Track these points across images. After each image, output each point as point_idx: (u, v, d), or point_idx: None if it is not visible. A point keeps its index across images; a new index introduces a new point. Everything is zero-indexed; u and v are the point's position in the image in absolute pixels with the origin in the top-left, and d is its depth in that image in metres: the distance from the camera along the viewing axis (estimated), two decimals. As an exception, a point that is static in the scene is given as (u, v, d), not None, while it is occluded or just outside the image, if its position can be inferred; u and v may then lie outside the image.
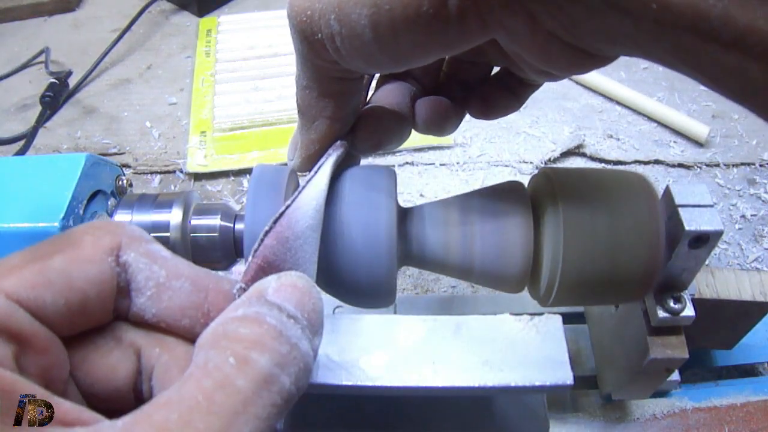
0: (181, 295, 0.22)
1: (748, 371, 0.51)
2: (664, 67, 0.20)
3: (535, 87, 0.33)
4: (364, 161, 0.36)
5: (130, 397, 0.22)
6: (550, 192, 0.31)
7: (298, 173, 0.32)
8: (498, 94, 0.33)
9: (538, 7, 0.21)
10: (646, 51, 0.20)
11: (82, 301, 0.20)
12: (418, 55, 0.24)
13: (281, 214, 0.26)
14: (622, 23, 0.19)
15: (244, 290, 0.24)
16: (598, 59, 0.23)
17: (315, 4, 0.23)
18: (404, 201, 0.60)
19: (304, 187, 0.28)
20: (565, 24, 0.21)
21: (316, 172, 0.28)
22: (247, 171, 0.63)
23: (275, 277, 0.23)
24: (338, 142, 0.30)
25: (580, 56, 0.23)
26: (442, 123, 0.33)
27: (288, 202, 0.27)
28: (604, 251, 0.30)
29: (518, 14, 0.21)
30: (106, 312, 0.22)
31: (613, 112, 0.69)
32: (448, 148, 0.65)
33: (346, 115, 0.30)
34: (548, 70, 0.26)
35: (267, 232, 0.26)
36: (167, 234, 0.33)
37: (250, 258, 0.26)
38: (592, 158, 0.64)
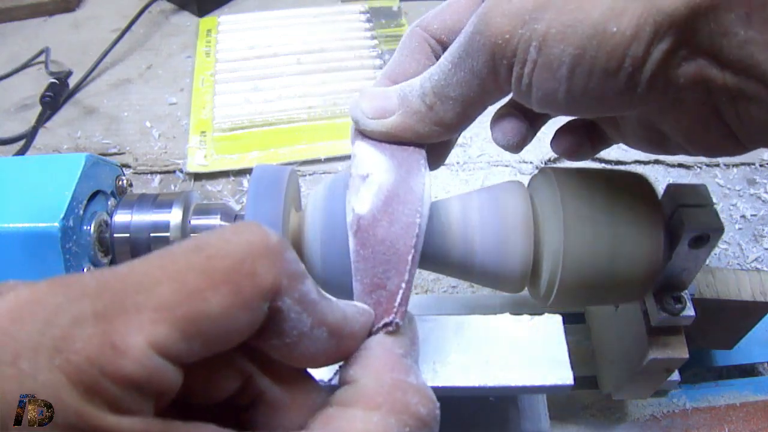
0: (317, 342, 0.21)
1: (748, 371, 0.51)
2: None
3: (610, 145, 0.35)
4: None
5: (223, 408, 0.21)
6: (550, 192, 0.31)
7: (360, 139, 0.30)
8: (582, 140, 0.35)
9: (721, 88, 0.22)
10: None
11: (222, 343, 0.18)
12: (596, 107, 0.25)
13: (417, 238, 0.25)
14: None
15: (398, 328, 0.24)
16: (742, 148, 0.25)
17: (517, 29, 0.24)
18: (404, 201, 0.60)
19: (422, 208, 0.26)
20: (738, 108, 0.23)
21: (420, 187, 0.27)
22: (247, 171, 0.63)
23: (407, 322, 0.24)
24: (424, 151, 0.29)
25: (729, 141, 0.25)
26: (521, 145, 0.33)
27: (418, 219, 0.26)
28: (605, 251, 0.30)
29: (697, 91, 0.23)
30: (235, 346, 0.19)
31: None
32: (448, 148, 0.65)
33: (458, 132, 0.30)
34: (688, 145, 0.27)
35: (412, 260, 0.25)
36: (167, 234, 0.33)
37: (402, 288, 0.25)
38: (593, 158, 0.64)
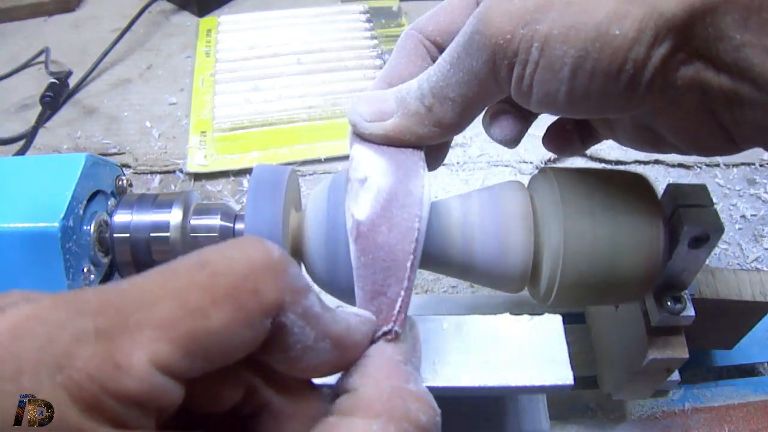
0: (321, 354, 0.21)
1: (748, 371, 0.51)
2: None
3: (599, 141, 0.35)
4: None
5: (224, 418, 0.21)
6: (550, 192, 0.31)
7: (358, 142, 0.30)
8: (572, 137, 0.35)
9: (717, 90, 0.23)
10: None
11: (225, 359, 0.18)
12: (596, 108, 0.25)
13: (417, 243, 0.25)
14: None
15: (397, 336, 0.24)
16: (737, 148, 0.26)
17: (519, 29, 0.24)
18: (404, 201, 0.60)
19: (421, 212, 0.26)
20: (734, 110, 0.23)
21: (420, 190, 0.27)
22: (247, 171, 0.63)
23: (408, 329, 0.24)
24: (423, 153, 0.29)
25: (724, 141, 0.25)
26: (517, 140, 0.33)
27: (416, 224, 0.26)
28: (605, 251, 0.30)
29: (694, 93, 0.23)
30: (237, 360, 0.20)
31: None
32: (448, 148, 0.65)
33: (456, 133, 0.30)
34: (683, 145, 0.27)
35: (411, 266, 0.25)
36: (167, 234, 0.33)
37: (401, 296, 0.24)
38: (592, 158, 0.64)
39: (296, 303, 0.19)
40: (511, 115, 0.31)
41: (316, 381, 0.23)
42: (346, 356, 0.22)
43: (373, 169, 0.27)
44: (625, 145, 0.32)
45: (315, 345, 0.20)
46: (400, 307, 0.24)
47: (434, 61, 0.28)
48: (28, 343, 0.15)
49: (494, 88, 0.26)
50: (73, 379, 0.15)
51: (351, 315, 0.23)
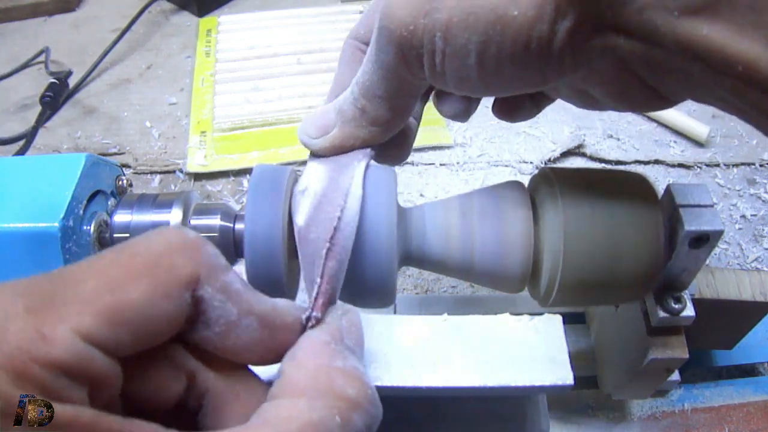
0: (248, 332, 0.22)
1: (748, 371, 0.51)
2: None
3: (553, 100, 0.35)
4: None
5: (172, 410, 0.22)
6: (550, 192, 0.31)
7: (310, 159, 0.32)
8: (522, 100, 0.34)
9: (631, 55, 0.22)
10: (711, 98, 0.22)
11: (151, 334, 0.20)
12: (512, 87, 0.25)
13: (335, 231, 0.26)
14: (704, 76, 0.21)
15: (318, 321, 0.24)
16: (669, 102, 0.25)
17: (419, 19, 0.24)
18: (404, 201, 0.60)
19: (346, 201, 0.27)
20: (652, 70, 0.23)
21: (348, 181, 0.28)
22: (247, 171, 0.63)
23: (341, 313, 0.25)
24: (368, 150, 0.30)
25: (654, 98, 0.25)
26: (467, 114, 0.33)
27: (337, 213, 0.27)
28: (605, 251, 0.30)
29: (610, 60, 0.23)
30: (167, 338, 0.21)
31: (612, 112, 0.69)
32: (448, 148, 0.65)
33: (398, 127, 0.30)
34: (617, 106, 0.27)
35: (328, 253, 0.26)
36: (167, 234, 0.33)
37: (317, 283, 0.26)
38: (592, 158, 0.64)
39: (214, 277, 0.21)
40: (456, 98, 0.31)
41: (260, 373, 0.24)
42: (277, 337, 0.23)
43: (313, 177, 0.29)
44: (571, 104, 0.32)
45: (239, 321, 0.21)
46: (317, 293, 0.26)
47: None
48: None
49: (412, 78, 0.26)
50: (3, 352, 0.16)
51: (281, 300, 0.24)
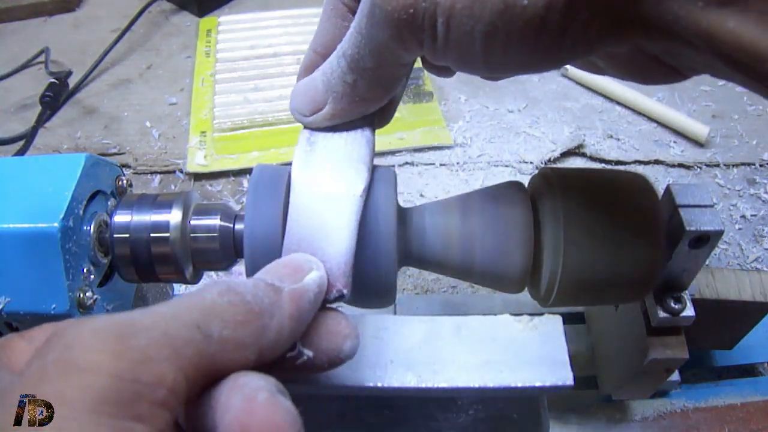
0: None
1: (748, 371, 0.51)
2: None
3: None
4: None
5: None
6: (550, 192, 0.31)
7: (307, 130, 0.32)
8: None
9: (643, 40, 0.21)
10: (734, 81, 0.21)
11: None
12: (518, 70, 0.24)
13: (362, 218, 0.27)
14: (728, 70, 0.20)
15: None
16: (687, 77, 0.24)
17: (420, 2, 0.22)
18: (404, 201, 0.60)
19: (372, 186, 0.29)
20: (673, 58, 0.22)
21: (369, 165, 0.29)
22: (247, 171, 0.63)
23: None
24: (369, 125, 0.30)
25: (672, 74, 0.24)
26: (449, 72, 0.32)
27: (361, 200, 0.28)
28: (605, 252, 0.30)
29: (624, 44, 0.22)
30: None
31: (613, 112, 0.69)
32: (448, 148, 0.65)
33: (388, 98, 0.29)
34: (630, 80, 0.26)
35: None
36: (167, 234, 0.33)
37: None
38: (592, 158, 0.64)
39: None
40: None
41: None
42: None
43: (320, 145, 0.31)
44: (581, 69, 0.31)
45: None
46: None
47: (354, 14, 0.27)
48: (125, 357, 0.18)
49: (407, 55, 0.25)
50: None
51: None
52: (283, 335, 0.22)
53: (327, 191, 0.28)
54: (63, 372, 0.17)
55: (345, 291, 0.26)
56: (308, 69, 0.31)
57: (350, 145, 0.30)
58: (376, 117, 0.31)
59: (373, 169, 0.30)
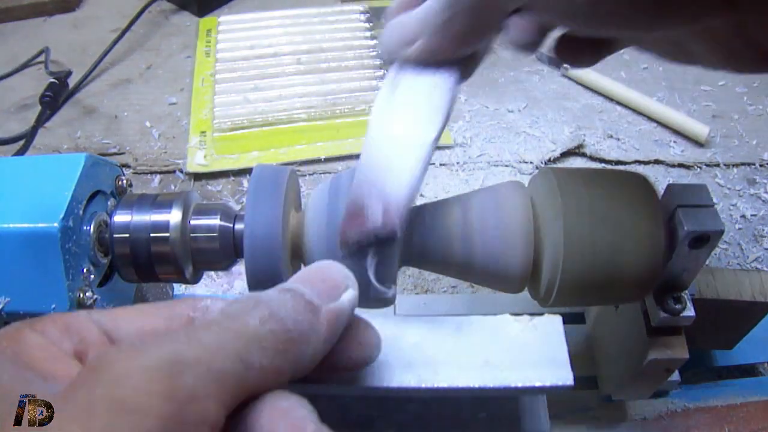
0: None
1: (748, 371, 0.51)
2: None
3: (612, 52, 0.33)
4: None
5: None
6: (550, 192, 0.31)
7: (401, 66, 0.31)
8: (586, 46, 0.32)
9: (752, 16, 0.21)
10: None
11: None
12: (617, 27, 0.24)
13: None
14: None
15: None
16: None
17: None
18: (404, 201, 0.60)
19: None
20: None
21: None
22: (247, 171, 0.63)
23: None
24: (456, 72, 0.30)
25: (764, 62, 0.24)
26: (534, 46, 0.30)
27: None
28: (605, 252, 0.30)
29: (732, 15, 0.22)
30: None
31: (613, 112, 0.69)
32: (448, 148, 0.65)
33: (483, 41, 0.29)
34: (718, 65, 0.26)
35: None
36: (167, 234, 0.33)
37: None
38: (592, 158, 0.64)
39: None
40: (527, 20, 0.29)
41: None
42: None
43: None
44: (651, 54, 0.30)
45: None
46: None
47: None
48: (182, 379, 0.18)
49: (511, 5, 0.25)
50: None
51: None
52: (316, 359, 0.22)
53: (400, 134, 0.29)
54: (112, 411, 0.17)
55: (398, 231, 0.27)
56: (402, 6, 0.30)
57: (432, 91, 0.29)
58: (463, 69, 0.31)
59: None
